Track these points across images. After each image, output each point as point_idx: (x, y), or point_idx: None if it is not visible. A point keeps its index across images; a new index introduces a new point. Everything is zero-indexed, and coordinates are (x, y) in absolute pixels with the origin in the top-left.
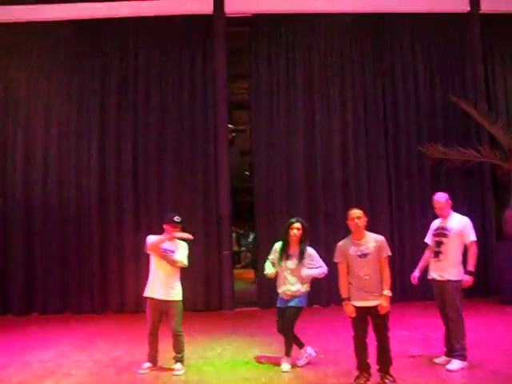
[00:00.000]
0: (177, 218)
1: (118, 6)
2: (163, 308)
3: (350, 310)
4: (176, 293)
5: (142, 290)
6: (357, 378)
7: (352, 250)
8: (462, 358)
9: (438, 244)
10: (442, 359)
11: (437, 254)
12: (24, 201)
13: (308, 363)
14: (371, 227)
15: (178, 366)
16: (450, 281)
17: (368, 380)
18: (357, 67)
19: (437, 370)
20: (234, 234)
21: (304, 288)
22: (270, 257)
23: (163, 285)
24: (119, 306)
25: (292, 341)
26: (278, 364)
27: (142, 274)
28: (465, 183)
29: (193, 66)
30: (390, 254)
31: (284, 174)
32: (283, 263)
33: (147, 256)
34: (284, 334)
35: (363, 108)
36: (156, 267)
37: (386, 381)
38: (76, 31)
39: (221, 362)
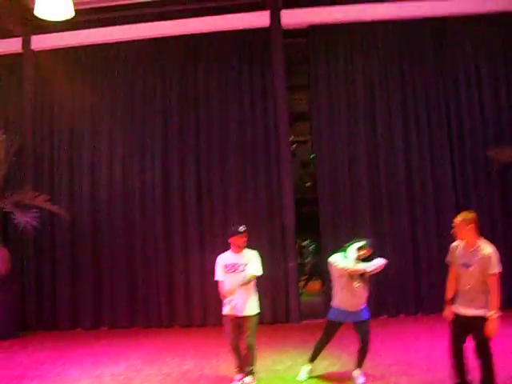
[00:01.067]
0: (241, 228)
1: (175, 25)
2: (240, 322)
3: (446, 312)
4: (252, 307)
5: (208, 304)
6: None
7: (459, 256)
8: None
9: None
10: None
11: None
12: (92, 220)
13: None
14: (439, 239)
15: (249, 379)
16: None
17: None
18: (418, 73)
19: None
20: (297, 246)
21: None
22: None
23: (240, 301)
24: (186, 320)
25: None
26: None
27: (207, 288)
28: None
29: (252, 80)
30: (496, 270)
31: (347, 183)
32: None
33: (212, 270)
34: (363, 346)
35: (426, 114)
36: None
37: None
38: (136, 51)
39: (290, 375)
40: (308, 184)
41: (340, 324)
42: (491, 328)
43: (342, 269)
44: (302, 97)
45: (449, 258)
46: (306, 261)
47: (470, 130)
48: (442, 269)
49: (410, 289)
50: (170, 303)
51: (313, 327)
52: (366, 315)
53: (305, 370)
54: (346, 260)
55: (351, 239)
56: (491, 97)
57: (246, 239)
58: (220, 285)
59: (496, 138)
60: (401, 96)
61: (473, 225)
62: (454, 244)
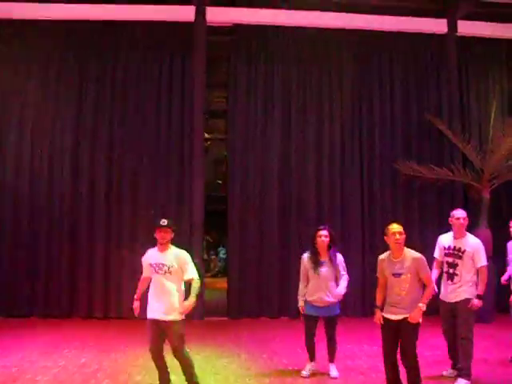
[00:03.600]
0: (162, 221)
1: (97, 8)
2: (163, 328)
3: (377, 316)
4: (176, 311)
5: (110, 296)
6: None
7: (388, 268)
8: (468, 377)
9: (453, 266)
10: (449, 372)
11: (451, 276)
12: None
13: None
14: (343, 243)
15: None
16: (466, 300)
17: None
18: (335, 83)
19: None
20: (204, 243)
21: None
22: (301, 278)
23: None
24: (87, 312)
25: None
26: None
27: (109, 280)
28: (436, 201)
29: (171, 73)
30: (427, 272)
31: (258, 184)
32: (317, 271)
33: (115, 264)
34: (330, 341)
35: (339, 123)
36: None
37: None
38: (53, 31)
39: None
40: (220, 182)
41: (313, 317)
42: (416, 315)
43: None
44: (220, 95)
45: (378, 273)
46: (213, 257)
47: (380, 143)
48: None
49: None
50: (71, 293)
51: (215, 325)
52: (333, 312)
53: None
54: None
55: (258, 240)
56: (402, 113)
57: (166, 235)
58: (140, 282)
59: (403, 153)
60: (316, 103)
61: (405, 236)
62: (381, 257)
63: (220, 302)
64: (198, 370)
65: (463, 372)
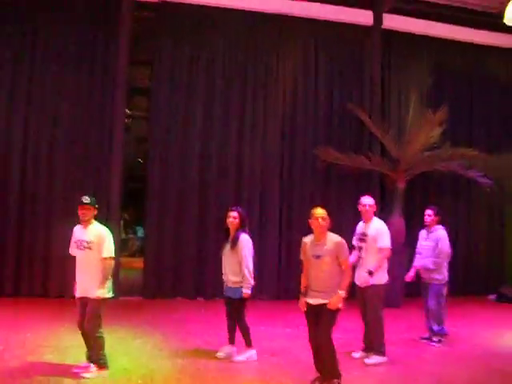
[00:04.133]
0: (84, 198)
1: None
2: (84, 304)
3: (301, 302)
4: (95, 289)
5: (22, 274)
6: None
7: (310, 250)
8: (380, 353)
9: (360, 249)
10: (359, 354)
11: (360, 260)
12: None
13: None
14: (260, 225)
15: (92, 370)
16: (371, 286)
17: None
18: (259, 66)
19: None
20: (121, 221)
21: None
22: None
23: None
24: None
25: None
26: None
27: (22, 258)
28: (354, 189)
29: (94, 48)
30: (346, 256)
31: (178, 164)
32: (225, 251)
33: (27, 241)
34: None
35: (263, 106)
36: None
37: None
38: None
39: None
40: (140, 160)
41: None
42: (335, 301)
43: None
44: (145, 72)
45: (301, 255)
46: (131, 236)
47: (302, 129)
48: (259, 256)
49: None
50: None
51: (129, 305)
52: (238, 294)
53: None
54: None
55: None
56: (325, 100)
57: (87, 212)
58: None
59: (324, 140)
60: (239, 86)
61: (329, 220)
62: (305, 239)
63: (136, 281)
64: (110, 351)
65: (376, 349)
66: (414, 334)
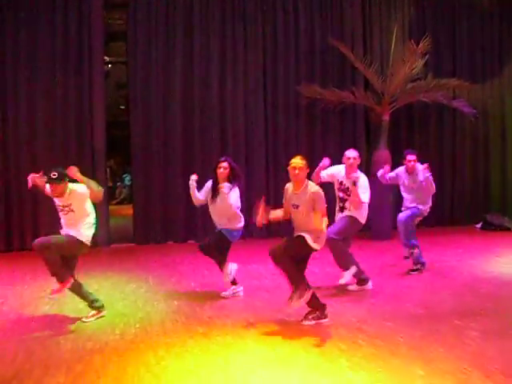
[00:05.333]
0: (53, 175)
1: None
2: None
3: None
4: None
5: (13, 229)
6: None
7: (289, 198)
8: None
9: (342, 200)
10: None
11: (341, 209)
12: None
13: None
14: (247, 166)
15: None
16: (350, 216)
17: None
18: (239, 6)
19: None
20: (108, 169)
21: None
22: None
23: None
24: None
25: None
26: None
27: (12, 213)
28: (339, 124)
29: None
30: (323, 206)
31: (161, 109)
32: (214, 200)
33: (17, 196)
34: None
35: (243, 45)
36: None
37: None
38: None
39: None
40: (122, 107)
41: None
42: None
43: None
44: (120, 16)
45: (283, 199)
46: (119, 184)
47: (284, 67)
48: (246, 197)
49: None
50: None
51: (121, 251)
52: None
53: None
54: None
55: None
56: (306, 37)
57: (57, 188)
58: None
59: (307, 76)
60: (219, 24)
61: (308, 169)
62: (287, 186)
63: (126, 228)
64: (106, 297)
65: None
66: (402, 267)
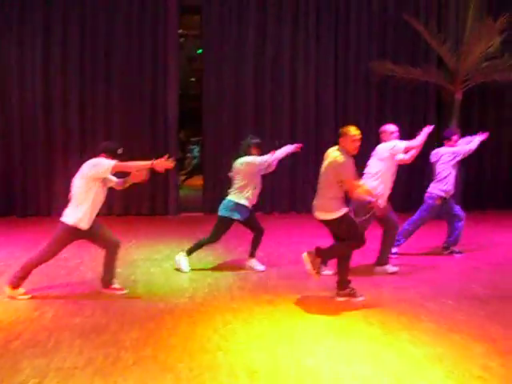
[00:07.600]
0: (120, 151)
1: None
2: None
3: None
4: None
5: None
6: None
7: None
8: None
9: None
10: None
11: None
12: None
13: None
14: (317, 145)
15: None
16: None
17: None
18: None
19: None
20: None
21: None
22: None
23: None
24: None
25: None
26: None
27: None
28: (410, 102)
29: None
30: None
31: (233, 82)
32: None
33: None
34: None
35: (315, 22)
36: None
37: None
38: None
39: (168, 263)
40: (193, 79)
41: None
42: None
43: (261, 163)
44: None
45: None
46: (188, 155)
47: (356, 43)
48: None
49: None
50: (48, 192)
51: (190, 220)
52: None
53: (186, 262)
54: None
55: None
56: (379, 12)
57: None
58: None
59: (379, 53)
60: (292, 2)
61: None
62: (346, 159)
63: (196, 198)
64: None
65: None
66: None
